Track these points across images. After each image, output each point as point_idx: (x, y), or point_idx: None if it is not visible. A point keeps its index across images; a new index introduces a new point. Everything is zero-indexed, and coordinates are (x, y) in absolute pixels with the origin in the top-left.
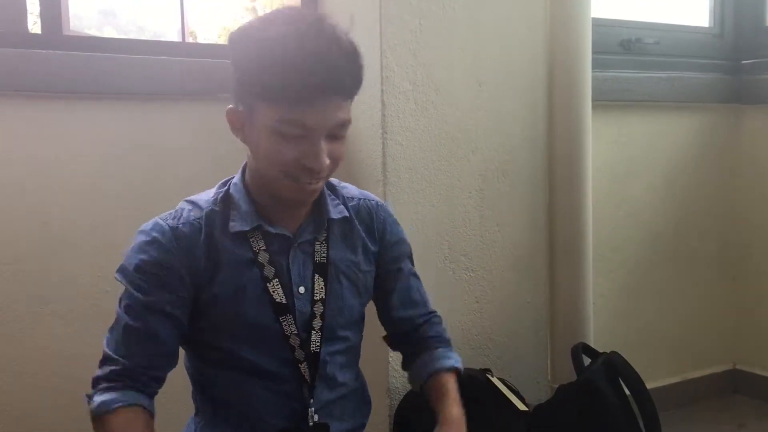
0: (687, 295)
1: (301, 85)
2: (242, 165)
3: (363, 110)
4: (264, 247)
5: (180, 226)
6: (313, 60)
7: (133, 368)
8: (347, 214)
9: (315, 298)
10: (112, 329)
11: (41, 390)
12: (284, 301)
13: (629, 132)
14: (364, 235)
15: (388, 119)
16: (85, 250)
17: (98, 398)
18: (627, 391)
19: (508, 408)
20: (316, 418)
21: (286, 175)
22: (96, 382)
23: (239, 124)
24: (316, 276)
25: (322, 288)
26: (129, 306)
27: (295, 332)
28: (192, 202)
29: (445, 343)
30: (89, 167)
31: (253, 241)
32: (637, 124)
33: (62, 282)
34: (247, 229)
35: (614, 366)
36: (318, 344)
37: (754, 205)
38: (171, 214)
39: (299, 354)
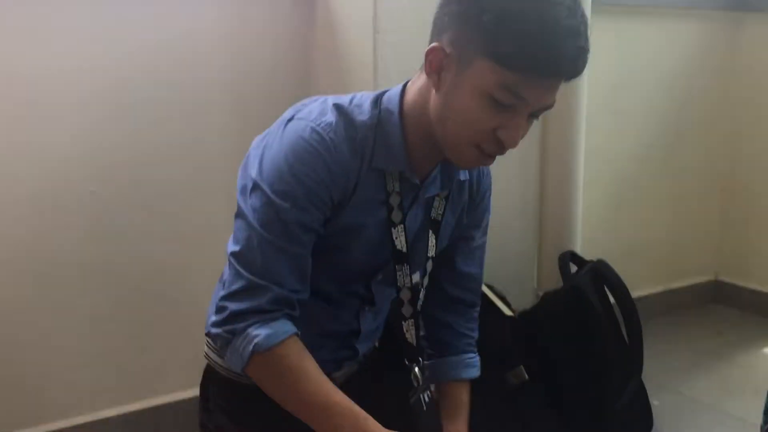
0: (674, 207)
1: (546, 59)
2: (399, 88)
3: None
4: (397, 190)
5: (339, 142)
6: (565, 36)
7: (287, 294)
8: (467, 176)
9: (428, 254)
10: (245, 251)
11: None
12: (404, 250)
13: (628, 38)
14: (467, 201)
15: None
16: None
17: (261, 330)
18: (612, 300)
19: (494, 313)
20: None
21: (472, 141)
22: (242, 314)
23: (439, 68)
24: (430, 232)
25: (434, 245)
26: (273, 222)
27: (408, 285)
28: (348, 117)
29: (474, 345)
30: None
31: (388, 180)
32: (637, 30)
33: None
34: (390, 169)
35: (600, 274)
36: (420, 302)
37: (747, 116)
38: (328, 125)
39: (406, 310)
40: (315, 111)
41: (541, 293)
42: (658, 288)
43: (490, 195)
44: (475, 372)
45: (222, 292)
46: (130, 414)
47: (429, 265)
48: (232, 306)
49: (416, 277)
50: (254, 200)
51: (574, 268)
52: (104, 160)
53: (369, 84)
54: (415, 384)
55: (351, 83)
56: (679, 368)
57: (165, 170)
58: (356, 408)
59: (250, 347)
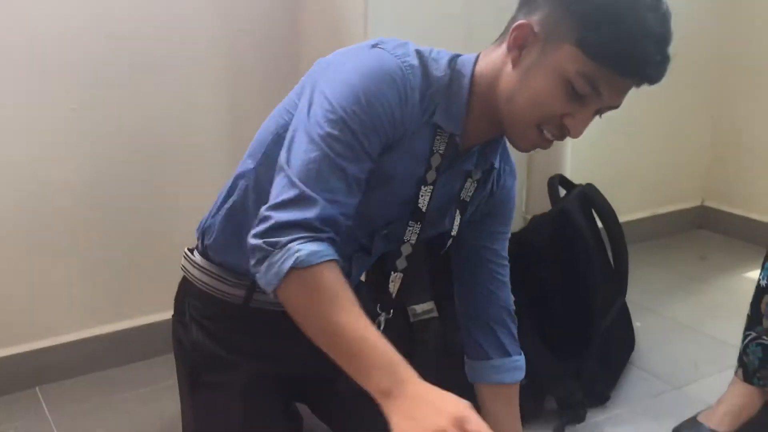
0: (664, 133)
1: (633, 61)
2: (474, 55)
3: None
4: (441, 151)
5: (415, 86)
6: (656, 42)
7: (337, 216)
8: (497, 166)
9: (452, 233)
10: (303, 163)
11: None
12: (424, 210)
13: None
14: (488, 191)
15: None
16: None
17: (304, 246)
18: (599, 224)
19: None
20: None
21: (537, 122)
22: (288, 226)
23: (522, 44)
24: (457, 211)
25: (457, 225)
26: (339, 140)
27: (413, 242)
28: (426, 68)
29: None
30: None
31: (438, 140)
32: None
33: None
34: (446, 128)
35: (589, 198)
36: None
37: (737, 44)
38: (410, 66)
39: (400, 263)
40: (399, 49)
41: (529, 217)
42: (645, 213)
43: (515, 195)
44: (522, 375)
45: (269, 202)
46: (117, 333)
47: (449, 243)
48: (278, 216)
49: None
50: (320, 115)
51: (563, 192)
52: (86, 77)
53: (360, 37)
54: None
55: (341, 39)
56: (662, 291)
57: (151, 91)
58: (392, 350)
59: (290, 262)
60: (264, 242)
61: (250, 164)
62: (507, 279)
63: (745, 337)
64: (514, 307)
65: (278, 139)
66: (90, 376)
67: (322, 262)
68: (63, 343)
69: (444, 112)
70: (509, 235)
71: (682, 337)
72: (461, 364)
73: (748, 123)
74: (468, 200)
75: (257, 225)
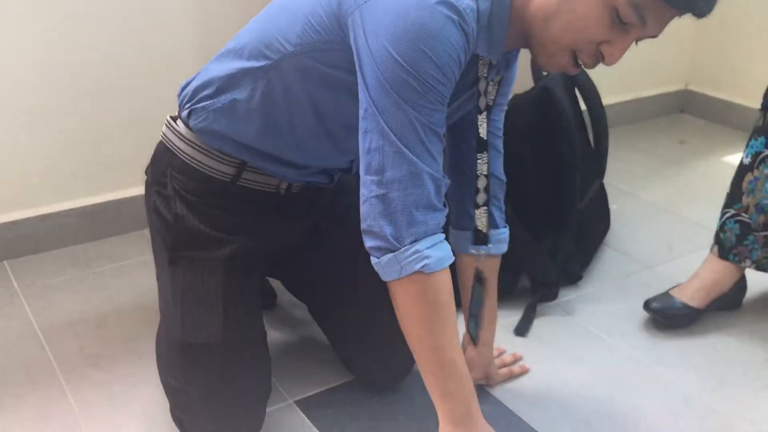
0: None
1: None
2: None
3: None
4: (485, 75)
5: (472, 29)
6: None
7: (444, 185)
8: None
9: (482, 137)
10: (401, 130)
11: None
12: (485, 138)
13: None
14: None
15: None
16: None
17: (433, 253)
18: (582, 105)
19: None
20: None
21: (572, 47)
22: (416, 224)
23: None
24: (484, 114)
25: (485, 130)
26: (425, 106)
27: (485, 173)
28: (476, 4)
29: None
30: None
31: (481, 66)
32: None
33: None
34: (487, 57)
35: (573, 77)
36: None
37: None
38: (469, 8)
39: (481, 198)
40: None
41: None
42: (629, 96)
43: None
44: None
45: (373, 169)
46: (88, 207)
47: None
48: (397, 197)
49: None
50: (395, 76)
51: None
52: None
53: None
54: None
55: None
56: (640, 175)
57: None
58: (470, 381)
59: (417, 266)
60: (392, 236)
61: (263, 62)
62: (501, 150)
63: (722, 214)
64: (505, 179)
65: (313, 49)
66: (61, 251)
67: (444, 268)
68: (32, 216)
69: (486, 42)
70: (506, 107)
71: (658, 220)
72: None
73: (734, 6)
74: (492, 103)
75: (372, 202)
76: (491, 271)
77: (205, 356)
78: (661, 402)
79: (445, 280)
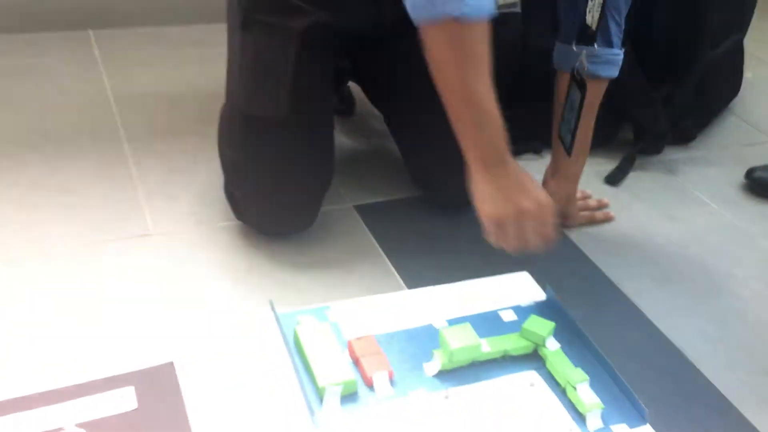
0: None
1: None
2: None
3: None
4: None
5: None
6: None
7: None
8: None
9: None
10: None
11: None
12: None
13: None
14: None
15: None
16: None
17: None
18: None
19: None
20: None
21: None
22: None
23: None
24: None
25: None
26: None
27: None
28: None
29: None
30: None
31: None
32: None
33: None
34: None
35: None
36: None
37: None
38: None
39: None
40: None
41: None
42: None
43: None
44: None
45: None
46: None
47: None
48: None
49: None
50: None
51: None
52: None
53: None
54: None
55: None
56: None
57: None
58: (505, 134)
59: (455, 10)
60: None
61: None
62: None
63: None
64: None
65: None
66: (146, 29)
67: (481, 19)
68: None
69: None
70: None
71: None
72: (536, 77)
73: None
74: None
75: None
76: (593, 96)
77: (267, 129)
78: (756, 272)
79: (481, 30)
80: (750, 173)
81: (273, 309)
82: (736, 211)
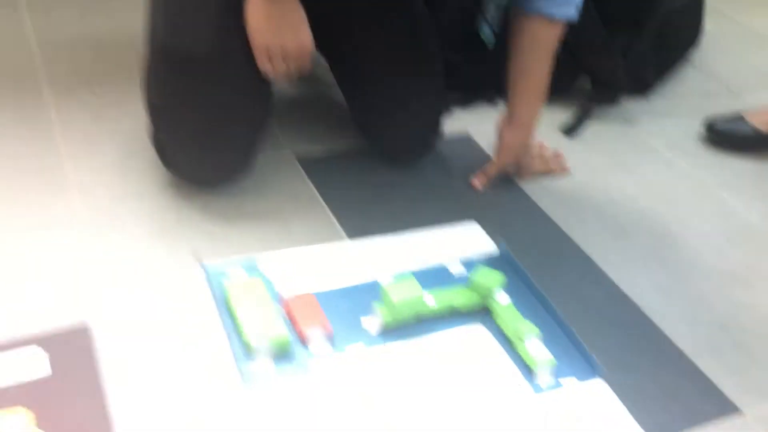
0: None
1: None
2: None
3: None
4: None
5: None
6: None
7: None
8: None
9: None
10: None
11: None
12: None
13: None
14: None
15: None
16: None
17: None
18: None
19: None
20: None
21: None
22: None
23: None
24: None
25: None
26: None
27: None
28: None
29: None
30: None
31: None
32: None
33: None
34: None
35: None
36: None
37: None
38: None
39: None
40: None
41: None
42: None
43: None
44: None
45: None
46: None
47: None
48: None
49: None
50: None
51: None
52: None
53: None
54: None
55: None
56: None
57: None
58: None
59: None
60: None
61: None
62: None
63: None
64: None
65: None
66: None
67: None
68: None
69: None
70: None
71: (755, 48)
72: None
73: None
74: None
75: None
76: (549, 41)
77: (190, 65)
78: (715, 225)
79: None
80: (711, 126)
81: (199, 261)
82: (694, 163)
